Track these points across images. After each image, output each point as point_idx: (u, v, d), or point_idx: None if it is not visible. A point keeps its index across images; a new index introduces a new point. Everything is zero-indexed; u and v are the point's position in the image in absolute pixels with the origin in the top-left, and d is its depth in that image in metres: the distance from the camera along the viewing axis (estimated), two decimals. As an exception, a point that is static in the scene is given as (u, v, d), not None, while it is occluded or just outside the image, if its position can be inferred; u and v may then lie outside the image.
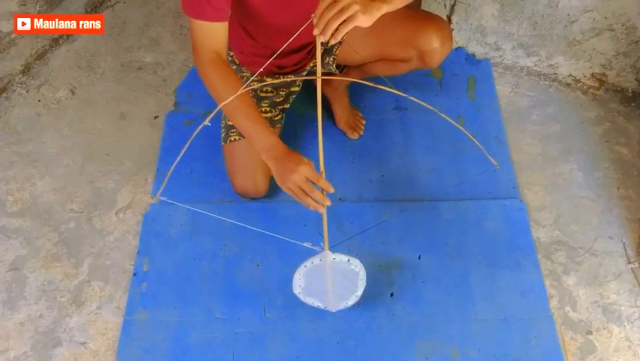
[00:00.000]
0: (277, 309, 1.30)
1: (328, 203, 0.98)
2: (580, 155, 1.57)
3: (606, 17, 1.52)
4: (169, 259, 1.37)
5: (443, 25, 1.30)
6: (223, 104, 0.99)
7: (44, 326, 1.29)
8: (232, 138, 1.36)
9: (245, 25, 1.25)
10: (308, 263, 1.04)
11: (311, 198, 0.99)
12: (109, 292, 1.34)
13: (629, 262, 1.37)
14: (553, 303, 1.31)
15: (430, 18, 1.30)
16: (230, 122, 1.37)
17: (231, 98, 0.96)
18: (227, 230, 1.41)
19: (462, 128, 0.95)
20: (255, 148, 1.07)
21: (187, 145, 0.86)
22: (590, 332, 1.27)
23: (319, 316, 1.28)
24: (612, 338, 1.26)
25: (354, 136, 1.56)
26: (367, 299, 1.25)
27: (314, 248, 1.00)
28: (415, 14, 1.31)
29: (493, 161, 0.99)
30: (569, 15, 1.55)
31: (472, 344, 1.24)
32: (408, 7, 1.14)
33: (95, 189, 1.51)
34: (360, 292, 1.14)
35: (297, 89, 1.46)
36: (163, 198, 0.99)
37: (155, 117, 1.65)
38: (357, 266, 1.06)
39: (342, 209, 1.43)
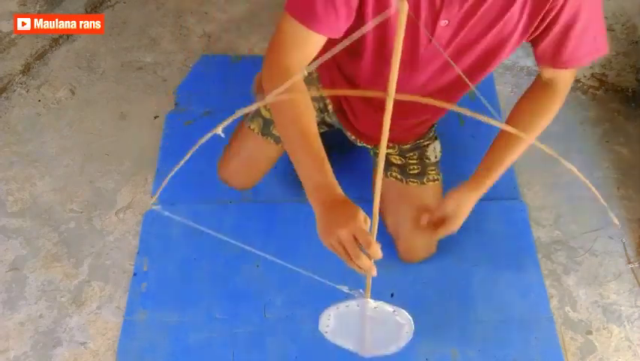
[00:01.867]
0: (277, 309, 1.29)
1: (374, 274, 0.79)
2: (580, 155, 1.57)
3: (606, 17, 1.52)
4: (169, 259, 1.37)
5: (425, 252, 1.31)
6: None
7: (44, 326, 1.29)
8: (252, 127, 1.24)
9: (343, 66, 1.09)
10: (341, 306, 0.87)
11: (355, 263, 0.79)
12: (109, 292, 1.34)
13: (629, 262, 1.37)
14: (554, 303, 1.31)
15: (425, 235, 1.25)
16: (266, 112, 1.23)
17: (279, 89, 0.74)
18: (228, 230, 1.41)
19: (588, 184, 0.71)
20: (303, 183, 0.85)
21: (195, 148, 0.69)
22: (590, 332, 1.27)
23: (319, 316, 1.28)
24: (612, 338, 1.26)
25: None
26: (367, 299, 1.25)
27: (351, 293, 0.83)
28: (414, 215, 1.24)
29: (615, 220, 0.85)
30: (569, 15, 1.55)
31: (472, 344, 1.24)
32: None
33: (95, 189, 1.51)
34: (402, 344, 0.95)
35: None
36: (156, 208, 0.83)
37: (155, 117, 1.65)
38: (403, 319, 0.88)
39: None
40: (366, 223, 0.78)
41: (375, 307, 0.85)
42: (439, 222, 1.08)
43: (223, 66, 1.78)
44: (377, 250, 0.76)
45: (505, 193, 1.48)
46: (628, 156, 1.56)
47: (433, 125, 1.34)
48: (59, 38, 1.84)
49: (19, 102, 1.70)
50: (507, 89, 1.72)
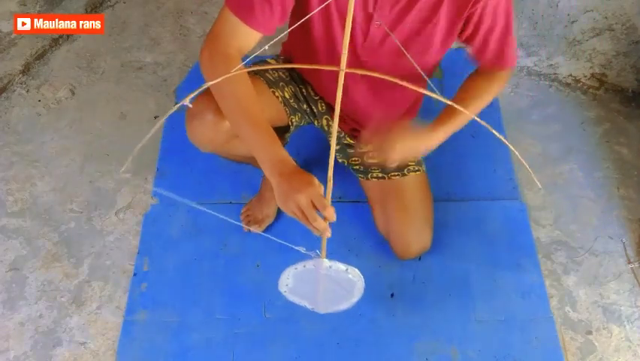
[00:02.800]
0: (277, 309, 1.29)
1: (329, 235, 0.89)
2: (580, 155, 1.57)
3: (606, 17, 1.52)
4: (169, 259, 1.37)
5: (418, 244, 1.29)
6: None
7: (44, 326, 1.29)
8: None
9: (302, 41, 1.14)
10: (299, 266, 0.98)
11: (312, 225, 0.88)
12: (109, 292, 1.34)
13: (629, 262, 1.37)
14: (554, 303, 1.31)
15: (414, 226, 1.28)
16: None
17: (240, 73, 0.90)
18: (228, 230, 1.41)
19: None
20: (259, 160, 0.93)
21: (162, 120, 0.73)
22: (590, 332, 1.27)
23: (319, 316, 1.28)
24: (612, 338, 1.26)
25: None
26: (367, 300, 1.25)
27: (308, 254, 0.92)
28: (412, 212, 1.28)
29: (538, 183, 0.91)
30: (569, 15, 1.55)
31: (472, 344, 1.24)
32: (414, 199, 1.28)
33: (95, 189, 1.51)
34: (354, 300, 1.07)
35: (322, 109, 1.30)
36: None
37: (155, 117, 1.65)
38: (355, 276, 0.98)
39: (341, 209, 1.42)
40: (321, 189, 0.87)
41: (329, 266, 0.94)
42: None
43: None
44: (332, 213, 0.86)
45: (505, 193, 1.48)
46: (628, 156, 1.56)
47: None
48: (59, 38, 1.84)
49: (19, 102, 1.70)
50: (507, 89, 1.72)
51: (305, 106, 1.26)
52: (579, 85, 1.72)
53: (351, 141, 1.32)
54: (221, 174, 1.48)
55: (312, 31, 1.05)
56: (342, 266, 0.95)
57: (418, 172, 1.30)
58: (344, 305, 1.09)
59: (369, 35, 1.02)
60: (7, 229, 1.44)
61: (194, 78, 1.74)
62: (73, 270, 1.37)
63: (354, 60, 1.08)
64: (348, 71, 0.59)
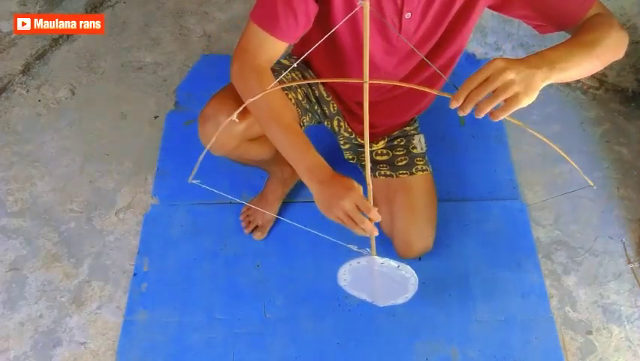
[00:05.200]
0: (277, 309, 1.29)
1: (377, 233, 0.92)
2: (580, 155, 1.56)
3: (606, 17, 1.52)
4: (169, 259, 1.37)
5: (421, 244, 1.29)
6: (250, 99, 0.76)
7: (44, 326, 1.29)
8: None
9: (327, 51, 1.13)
10: (354, 262, 1.00)
11: (360, 227, 0.91)
12: (109, 292, 1.34)
13: (629, 262, 1.37)
14: (554, 303, 1.31)
15: (418, 225, 1.27)
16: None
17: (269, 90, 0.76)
18: (228, 230, 1.41)
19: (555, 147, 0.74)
20: (295, 167, 0.94)
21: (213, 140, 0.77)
22: (590, 332, 1.27)
23: (319, 316, 1.28)
24: (612, 338, 1.26)
25: None
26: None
27: (360, 251, 0.96)
28: (415, 210, 1.28)
29: (590, 182, 0.86)
30: (569, 15, 1.55)
31: (472, 344, 1.24)
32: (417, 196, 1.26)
33: (95, 189, 1.51)
34: (410, 295, 1.10)
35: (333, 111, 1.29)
36: (196, 182, 0.92)
37: (155, 117, 1.65)
38: (407, 272, 1.01)
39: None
40: (361, 191, 0.90)
41: (381, 263, 0.97)
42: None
43: (223, 66, 1.75)
44: (376, 213, 0.89)
45: (505, 193, 1.48)
46: (628, 156, 1.56)
47: (416, 116, 1.37)
48: (59, 38, 1.84)
49: (19, 102, 1.70)
50: (507, 89, 1.72)
51: (316, 107, 1.26)
52: (579, 85, 1.72)
53: (362, 142, 1.33)
54: (221, 173, 1.48)
55: (338, 36, 1.03)
56: (393, 263, 0.98)
57: (425, 172, 1.30)
58: (400, 299, 1.12)
59: (402, 27, 1.00)
60: (7, 229, 1.44)
61: (194, 78, 1.74)
62: (73, 270, 1.37)
63: (392, 49, 1.06)
64: (372, 82, 0.61)
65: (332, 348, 1.25)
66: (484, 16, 1.65)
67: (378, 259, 0.97)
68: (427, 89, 0.67)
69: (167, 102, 1.69)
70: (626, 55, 1.66)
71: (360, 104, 1.22)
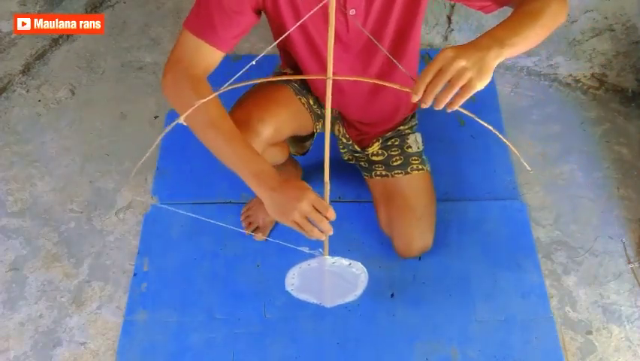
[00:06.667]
0: (277, 309, 1.30)
1: (331, 233, 0.90)
2: (580, 155, 1.57)
3: (606, 17, 1.52)
4: (169, 259, 1.37)
5: (420, 243, 1.29)
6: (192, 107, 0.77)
7: (44, 326, 1.29)
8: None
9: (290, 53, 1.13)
10: (304, 265, 1.00)
11: (317, 230, 0.89)
12: (109, 292, 1.34)
13: (629, 262, 1.37)
14: (554, 303, 1.31)
15: (417, 224, 1.27)
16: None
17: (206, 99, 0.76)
18: (228, 230, 1.41)
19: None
20: (242, 177, 0.89)
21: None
22: (590, 332, 1.27)
23: (319, 316, 1.28)
24: (612, 338, 1.26)
25: None
26: (367, 299, 1.25)
27: (312, 253, 0.95)
28: (413, 209, 1.28)
29: (528, 166, 0.89)
30: (569, 15, 1.55)
31: (472, 344, 1.24)
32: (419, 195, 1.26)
33: (95, 189, 1.51)
34: (359, 292, 1.11)
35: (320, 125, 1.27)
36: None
37: (155, 117, 1.65)
38: (358, 269, 1.03)
39: (341, 209, 1.42)
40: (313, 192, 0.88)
41: (333, 263, 0.97)
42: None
43: (223, 66, 1.76)
44: (332, 212, 0.87)
45: (505, 193, 1.48)
46: (628, 156, 1.56)
47: (414, 113, 1.35)
48: (59, 38, 1.84)
49: (19, 102, 1.70)
50: (507, 89, 1.72)
51: (320, 112, 1.25)
52: (579, 85, 1.72)
53: (357, 148, 1.33)
54: (221, 173, 1.48)
55: (295, 46, 1.05)
56: (345, 261, 0.98)
57: (421, 171, 1.30)
58: (349, 297, 1.11)
59: (349, 24, 1.00)
60: (7, 229, 1.44)
61: (194, 78, 1.74)
62: (73, 270, 1.37)
63: (348, 52, 1.06)
64: (335, 78, 0.61)
65: (332, 348, 1.25)
66: (485, 16, 1.65)
67: (330, 259, 0.96)
68: (387, 84, 0.67)
69: (167, 102, 1.68)
70: (626, 55, 1.67)
71: (348, 110, 1.23)
